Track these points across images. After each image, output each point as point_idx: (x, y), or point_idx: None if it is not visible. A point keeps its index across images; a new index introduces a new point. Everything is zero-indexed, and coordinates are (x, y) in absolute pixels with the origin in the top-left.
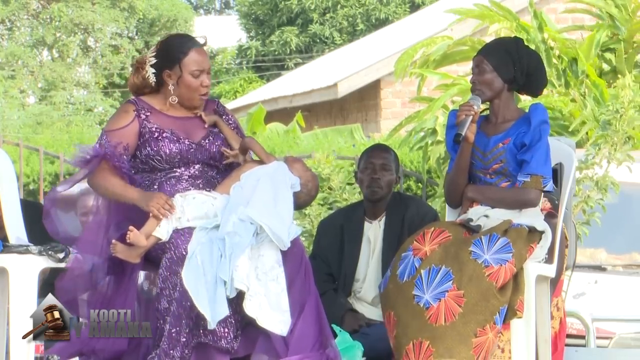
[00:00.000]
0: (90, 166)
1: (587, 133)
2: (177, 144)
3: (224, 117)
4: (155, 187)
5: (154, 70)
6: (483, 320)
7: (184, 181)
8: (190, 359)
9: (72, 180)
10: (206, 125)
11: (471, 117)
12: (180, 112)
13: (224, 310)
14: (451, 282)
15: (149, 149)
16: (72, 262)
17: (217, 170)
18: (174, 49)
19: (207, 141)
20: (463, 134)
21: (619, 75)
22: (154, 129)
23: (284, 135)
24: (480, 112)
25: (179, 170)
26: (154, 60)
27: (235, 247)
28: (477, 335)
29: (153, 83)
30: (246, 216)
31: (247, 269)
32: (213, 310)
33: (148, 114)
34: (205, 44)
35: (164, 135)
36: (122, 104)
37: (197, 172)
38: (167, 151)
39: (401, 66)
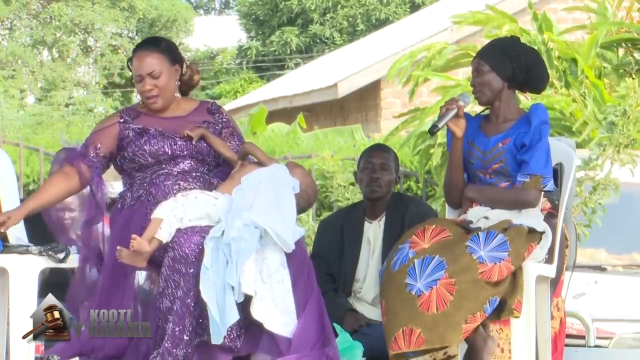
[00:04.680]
0: (58, 162)
1: (589, 134)
2: (160, 139)
3: (216, 115)
4: (146, 184)
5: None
6: (474, 308)
7: (174, 176)
8: (193, 357)
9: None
10: (194, 141)
11: (454, 111)
12: (168, 112)
13: (235, 315)
14: (444, 271)
15: (134, 146)
16: (77, 270)
17: (208, 166)
18: (131, 56)
19: None
20: (439, 126)
21: (630, 76)
22: (137, 129)
23: (284, 135)
24: (481, 112)
25: (167, 167)
26: None
27: (241, 252)
28: (467, 322)
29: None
30: (250, 221)
31: (254, 273)
32: (223, 316)
33: (132, 118)
34: (158, 46)
35: (148, 132)
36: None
37: (186, 168)
38: (151, 146)
39: (394, 71)
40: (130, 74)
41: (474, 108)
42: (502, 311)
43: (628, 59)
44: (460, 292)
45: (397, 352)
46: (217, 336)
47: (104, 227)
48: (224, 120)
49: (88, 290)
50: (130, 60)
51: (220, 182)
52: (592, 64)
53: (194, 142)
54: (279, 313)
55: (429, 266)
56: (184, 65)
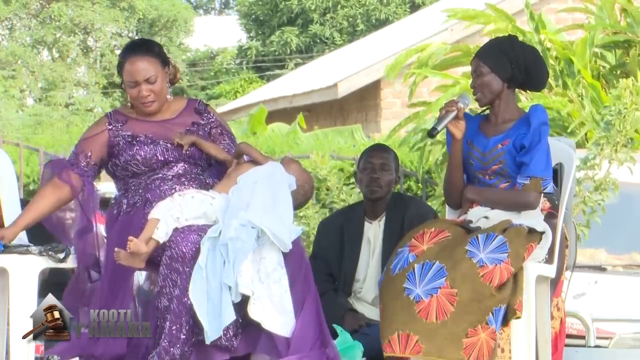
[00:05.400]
0: (47, 175)
1: (586, 134)
2: (151, 146)
3: (204, 115)
4: (141, 190)
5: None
6: (475, 321)
7: (169, 180)
8: (191, 356)
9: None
10: (184, 150)
11: (454, 113)
12: (157, 115)
13: (231, 316)
14: (444, 278)
15: (125, 155)
16: (75, 273)
17: (201, 167)
18: (119, 59)
19: None
20: (439, 128)
21: (628, 76)
22: (127, 136)
23: (284, 135)
24: (481, 112)
25: (161, 172)
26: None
27: (238, 252)
28: (468, 336)
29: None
30: (247, 221)
31: (251, 273)
32: (218, 317)
33: (121, 124)
34: (151, 51)
35: (137, 139)
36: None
37: (180, 171)
38: (143, 154)
39: (393, 70)
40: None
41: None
42: (506, 315)
43: (625, 59)
44: (461, 303)
45: (391, 355)
46: (207, 336)
47: (97, 228)
48: (212, 120)
49: (84, 297)
50: (120, 64)
51: (215, 181)
52: (586, 64)
53: (184, 151)
54: (276, 313)
55: (429, 272)
56: (170, 65)
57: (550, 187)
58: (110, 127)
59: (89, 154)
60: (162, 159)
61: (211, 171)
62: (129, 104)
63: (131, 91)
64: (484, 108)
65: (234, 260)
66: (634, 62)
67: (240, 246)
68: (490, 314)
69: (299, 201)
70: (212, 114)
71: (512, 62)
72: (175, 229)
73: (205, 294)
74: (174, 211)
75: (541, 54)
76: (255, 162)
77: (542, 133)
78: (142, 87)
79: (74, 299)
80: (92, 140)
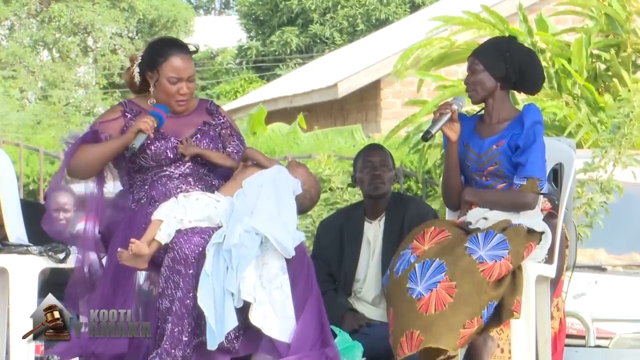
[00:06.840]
0: (69, 152)
1: (583, 136)
2: (162, 142)
3: (215, 116)
4: (147, 187)
5: (138, 70)
6: (472, 313)
7: (175, 179)
8: (192, 358)
9: (57, 177)
10: (186, 159)
11: (448, 115)
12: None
13: (233, 321)
14: (444, 273)
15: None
16: (75, 269)
17: (208, 167)
18: (156, 52)
19: (194, 139)
20: (433, 132)
21: (623, 77)
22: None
23: (284, 135)
24: (476, 113)
25: (169, 169)
26: (139, 60)
27: (241, 258)
28: (465, 327)
29: (137, 82)
30: (251, 227)
31: (254, 279)
32: (222, 322)
33: (134, 114)
34: (194, 51)
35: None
36: (113, 105)
37: (187, 170)
38: (153, 148)
39: (400, 65)
40: (134, 72)
41: (471, 107)
42: (501, 315)
43: (618, 60)
44: (460, 295)
45: (403, 357)
46: (212, 342)
47: (94, 227)
48: (223, 121)
49: (86, 283)
50: (161, 58)
51: (221, 183)
52: (582, 66)
53: (186, 158)
54: (277, 318)
55: (429, 269)
56: None
57: (545, 188)
58: (123, 115)
59: (108, 136)
60: (171, 156)
61: (218, 172)
62: (153, 100)
63: (171, 87)
64: (480, 109)
65: (237, 267)
66: (615, 62)
67: (243, 253)
68: (486, 307)
69: (305, 205)
70: (223, 115)
71: (506, 62)
72: (179, 231)
73: (213, 300)
74: (178, 213)
75: None
76: (261, 166)
77: (537, 132)
78: (184, 85)
79: (76, 287)
80: (109, 125)
